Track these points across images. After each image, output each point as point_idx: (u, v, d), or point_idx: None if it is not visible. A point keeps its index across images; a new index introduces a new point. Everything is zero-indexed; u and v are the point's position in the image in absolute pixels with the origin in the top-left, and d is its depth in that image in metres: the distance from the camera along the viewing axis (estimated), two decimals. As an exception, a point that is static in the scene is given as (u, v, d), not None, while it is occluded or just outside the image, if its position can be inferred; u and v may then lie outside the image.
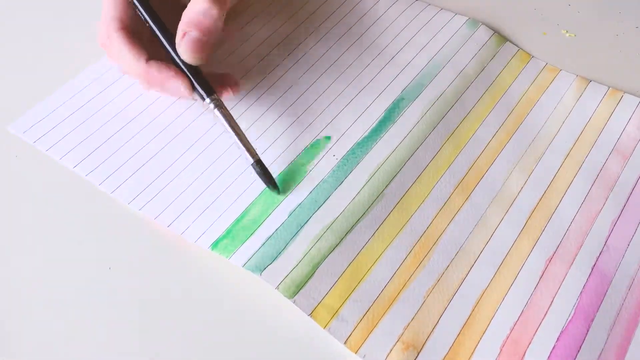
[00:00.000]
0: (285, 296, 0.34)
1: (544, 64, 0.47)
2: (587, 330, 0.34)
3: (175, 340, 0.34)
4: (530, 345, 0.33)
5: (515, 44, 0.48)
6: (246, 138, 0.38)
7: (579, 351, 0.33)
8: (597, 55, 0.48)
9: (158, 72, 0.39)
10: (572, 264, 0.36)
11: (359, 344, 0.33)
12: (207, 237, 0.37)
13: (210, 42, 0.38)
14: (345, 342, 0.33)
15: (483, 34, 0.48)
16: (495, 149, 0.42)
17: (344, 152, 0.40)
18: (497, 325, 0.34)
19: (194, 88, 0.39)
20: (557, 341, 0.33)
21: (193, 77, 0.39)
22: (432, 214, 0.38)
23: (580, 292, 0.35)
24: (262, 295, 0.35)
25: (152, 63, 0.39)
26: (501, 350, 0.33)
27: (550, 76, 0.46)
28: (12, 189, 0.40)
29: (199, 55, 0.38)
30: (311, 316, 0.34)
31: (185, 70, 0.39)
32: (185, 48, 0.38)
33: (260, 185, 0.38)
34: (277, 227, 0.37)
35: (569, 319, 0.34)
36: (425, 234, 0.37)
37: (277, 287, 0.34)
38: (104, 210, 0.39)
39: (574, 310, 0.34)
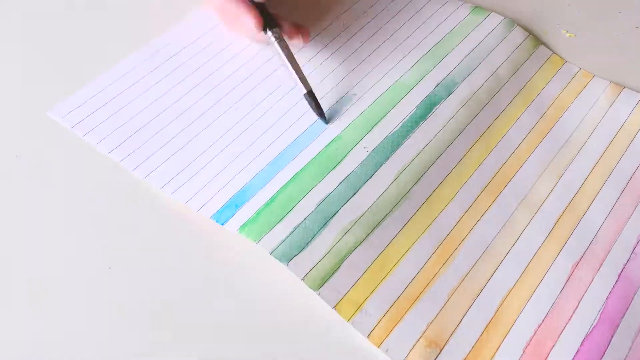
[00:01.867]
0: (310, 288, 0.34)
1: (578, 69, 0.47)
2: (612, 337, 0.34)
3: (176, 340, 0.34)
4: (553, 348, 0.33)
5: (549, 48, 0.48)
6: (301, 70, 0.42)
7: (602, 357, 0.33)
8: (597, 55, 0.48)
9: (235, 7, 0.43)
10: (598, 269, 0.36)
11: (382, 338, 0.33)
12: (236, 220, 0.37)
13: None
14: (368, 336, 0.33)
15: (518, 35, 0.48)
16: (526, 151, 0.42)
17: (374, 145, 0.40)
18: (521, 326, 0.34)
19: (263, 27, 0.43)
20: (580, 346, 0.33)
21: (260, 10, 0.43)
22: (459, 214, 0.38)
23: (606, 298, 0.35)
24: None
25: None
26: (524, 351, 0.33)
27: (584, 81, 0.46)
28: (11, 189, 0.40)
29: None
30: (335, 309, 0.34)
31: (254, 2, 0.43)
32: None
33: (290, 172, 0.39)
34: (305, 217, 0.37)
35: (593, 324, 0.34)
36: (451, 233, 0.37)
37: (303, 279, 0.35)
38: (104, 210, 0.39)
39: (599, 315, 0.34)
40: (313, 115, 0.42)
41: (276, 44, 0.43)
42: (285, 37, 0.43)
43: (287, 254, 0.35)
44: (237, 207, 0.38)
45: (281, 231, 0.36)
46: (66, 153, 0.42)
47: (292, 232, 0.36)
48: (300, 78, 0.42)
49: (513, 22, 0.49)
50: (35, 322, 0.35)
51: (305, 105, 0.43)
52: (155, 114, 0.43)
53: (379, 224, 0.37)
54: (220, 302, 0.35)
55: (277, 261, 0.35)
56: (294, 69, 0.42)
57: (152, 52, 0.47)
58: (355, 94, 0.44)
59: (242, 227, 0.36)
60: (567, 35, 0.50)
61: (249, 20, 0.43)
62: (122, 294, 0.36)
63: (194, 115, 0.43)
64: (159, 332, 0.34)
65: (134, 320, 0.35)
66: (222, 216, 0.37)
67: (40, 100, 0.44)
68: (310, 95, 0.42)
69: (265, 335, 0.34)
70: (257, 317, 0.35)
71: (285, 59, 0.42)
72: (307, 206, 0.37)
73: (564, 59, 0.47)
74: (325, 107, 0.43)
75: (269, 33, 0.43)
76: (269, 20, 0.43)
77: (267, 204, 0.37)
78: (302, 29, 0.45)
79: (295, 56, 0.43)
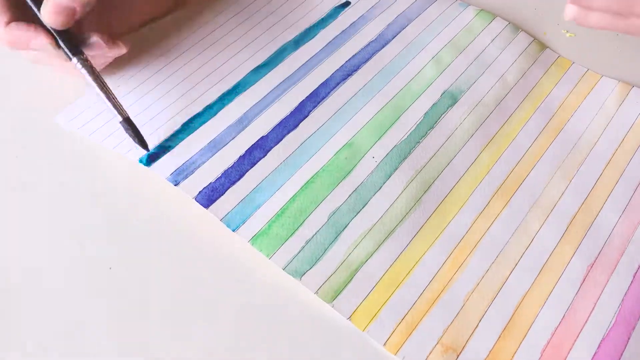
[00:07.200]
0: (324, 301, 0.35)
1: (585, 70, 0.47)
2: (629, 338, 0.33)
3: (176, 341, 0.34)
4: (571, 352, 0.33)
5: (554, 51, 0.48)
6: (114, 96, 0.39)
7: (619, 358, 0.33)
8: (597, 54, 0.48)
9: (19, 32, 0.38)
10: (613, 270, 0.36)
11: (399, 346, 0.33)
12: (247, 229, 0.37)
13: (74, 8, 0.38)
14: (384, 344, 0.33)
15: (523, 40, 0.48)
16: (536, 154, 0.41)
17: (383, 155, 0.41)
18: (537, 330, 0.34)
19: (59, 46, 0.39)
20: (598, 348, 0.33)
21: (57, 35, 0.39)
22: (472, 218, 0.38)
23: (622, 300, 0.35)
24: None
25: (13, 24, 0.38)
26: (542, 355, 0.33)
27: (592, 82, 0.46)
28: (12, 189, 0.41)
29: (60, 18, 0.38)
30: (350, 319, 0.34)
31: (49, 27, 0.39)
32: (48, 9, 0.38)
33: (300, 180, 0.39)
34: (317, 230, 0.37)
35: (610, 326, 0.34)
36: (464, 238, 0.37)
37: (317, 292, 0.35)
38: (104, 210, 0.39)
39: (615, 317, 0.34)
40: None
41: (83, 71, 0.39)
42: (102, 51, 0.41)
43: (300, 270, 0.35)
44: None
45: (293, 246, 0.36)
46: (67, 154, 0.42)
47: (304, 246, 0.36)
48: (114, 105, 0.39)
49: (517, 27, 0.49)
50: (35, 322, 0.35)
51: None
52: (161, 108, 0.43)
53: (390, 234, 0.37)
54: (223, 303, 0.36)
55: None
56: (107, 97, 0.39)
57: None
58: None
59: (255, 239, 0.37)
60: (567, 35, 0.50)
61: (42, 42, 0.38)
62: (122, 294, 0.36)
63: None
64: (160, 333, 0.35)
65: (135, 320, 0.35)
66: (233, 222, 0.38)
67: (46, 105, 0.44)
68: (127, 122, 0.39)
69: (274, 342, 0.34)
70: (264, 321, 0.35)
71: (98, 89, 0.39)
72: (318, 219, 0.38)
73: (571, 61, 0.47)
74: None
75: (74, 60, 0.39)
76: (69, 44, 0.39)
77: (277, 215, 0.38)
78: (115, 39, 0.41)
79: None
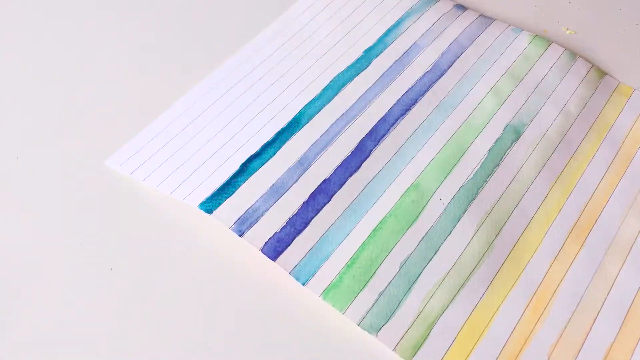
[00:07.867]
0: (402, 358, 0.33)
1: (647, 95, 0.45)
2: None
3: (176, 341, 0.34)
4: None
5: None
6: None
7: None
8: (597, 52, 0.48)
9: None
10: None
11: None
12: (317, 283, 0.35)
13: None
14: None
15: (581, 67, 0.46)
16: (606, 191, 0.40)
17: (450, 197, 0.39)
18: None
19: None
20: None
21: None
22: (547, 262, 0.37)
23: None
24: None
25: None
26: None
27: (656, 108, 0.44)
28: (13, 190, 0.40)
29: None
30: (432, 378, 0.32)
31: None
32: None
33: (367, 227, 0.37)
34: (389, 281, 0.35)
35: None
36: (542, 285, 0.36)
37: (395, 349, 0.33)
38: (105, 211, 0.39)
39: None
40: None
41: None
42: None
43: (375, 325, 0.34)
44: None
45: (366, 299, 0.34)
46: (67, 156, 0.42)
47: (378, 299, 0.34)
48: None
49: (574, 53, 0.47)
50: (36, 322, 0.35)
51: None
52: (211, 153, 0.41)
53: (465, 282, 0.35)
54: (224, 305, 0.35)
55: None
56: None
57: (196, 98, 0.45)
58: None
59: (326, 292, 0.35)
60: (568, 32, 0.50)
61: None
62: (123, 294, 0.36)
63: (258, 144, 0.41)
64: (161, 333, 0.34)
65: (136, 321, 0.35)
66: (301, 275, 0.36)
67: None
68: None
69: (275, 344, 0.34)
70: (265, 324, 0.35)
71: None
72: (389, 269, 0.36)
73: (632, 88, 0.45)
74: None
75: None
76: None
77: (348, 266, 0.36)
78: None
79: None
